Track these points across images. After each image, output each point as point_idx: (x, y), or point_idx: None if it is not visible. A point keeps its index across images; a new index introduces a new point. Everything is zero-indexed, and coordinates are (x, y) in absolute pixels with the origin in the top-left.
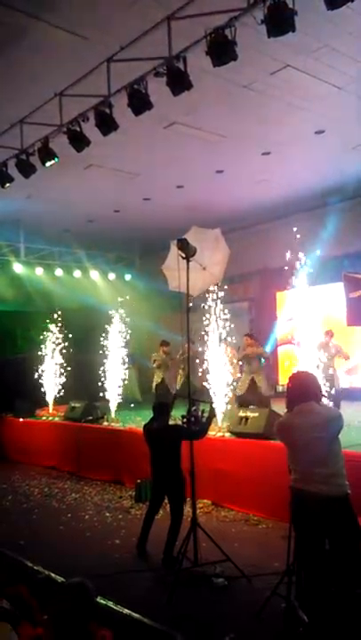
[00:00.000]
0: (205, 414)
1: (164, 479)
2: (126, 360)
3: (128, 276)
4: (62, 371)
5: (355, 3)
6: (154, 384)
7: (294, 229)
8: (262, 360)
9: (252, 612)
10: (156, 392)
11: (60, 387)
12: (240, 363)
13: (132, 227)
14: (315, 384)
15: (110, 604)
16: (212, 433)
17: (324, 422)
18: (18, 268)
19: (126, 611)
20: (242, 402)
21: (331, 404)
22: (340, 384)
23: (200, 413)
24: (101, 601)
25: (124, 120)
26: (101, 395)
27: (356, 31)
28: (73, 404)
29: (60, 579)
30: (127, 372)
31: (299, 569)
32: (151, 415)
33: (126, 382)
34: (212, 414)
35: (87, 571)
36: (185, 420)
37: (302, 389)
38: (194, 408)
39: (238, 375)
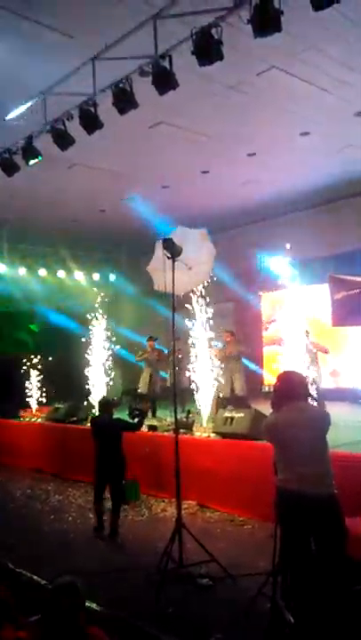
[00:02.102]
0: (191, 415)
1: (107, 466)
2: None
3: (113, 277)
4: (46, 372)
5: (341, 4)
6: (142, 382)
7: (280, 230)
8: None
9: (237, 612)
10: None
11: (43, 388)
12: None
13: (117, 226)
14: (302, 383)
15: (94, 605)
16: (197, 434)
17: (312, 421)
18: (0, 267)
19: (113, 611)
20: (220, 402)
21: (315, 403)
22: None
23: (187, 414)
24: (87, 603)
25: (110, 119)
26: (86, 396)
27: (342, 33)
28: (57, 405)
29: (42, 581)
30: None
31: (284, 569)
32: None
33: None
34: (145, 412)
35: (71, 572)
36: (132, 414)
37: (290, 389)
38: (137, 405)
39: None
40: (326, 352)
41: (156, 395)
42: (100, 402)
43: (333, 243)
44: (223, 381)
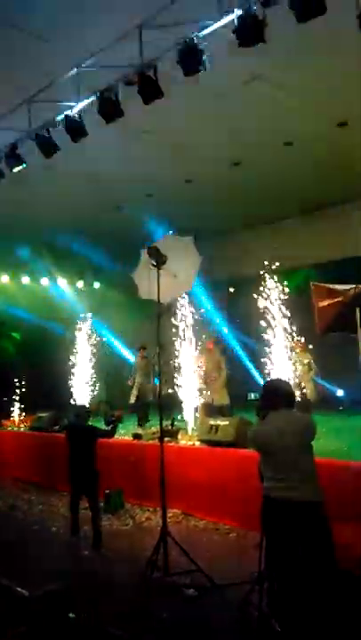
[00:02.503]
0: (176, 422)
1: (80, 472)
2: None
3: (97, 284)
4: (28, 380)
5: (325, 17)
6: (134, 391)
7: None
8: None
9: (223, 621)
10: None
11: (25, 396)
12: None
13: (101, 234)
14: (288, 392)
15: (80, 616)
16: (182, 442)
17: (299, 429)
18: None
19: (94, 623)
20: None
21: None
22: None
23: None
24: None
25: (95, 126)
26: (69, 404)
27: (327, 46)
28: (39, 414)
29: (25, 592)
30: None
31: (270, 577)
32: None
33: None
34: (119, 420)
35: (53, 583)
36: (108, 422)
37: (276, 397)
38: (112, 413)
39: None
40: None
41: (146, 403)
42: (74, 408)
43: (315, 252)
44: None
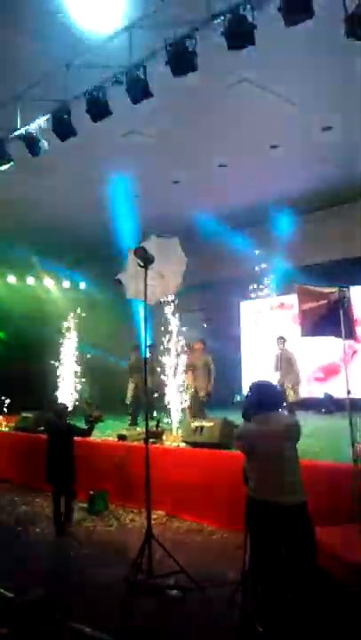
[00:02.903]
0: (161, 424)
1: (57, 467)
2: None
3: (83, 284)
4: (13, 380)
5: (313, 20)
6: (130, 392)
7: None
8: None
9: (207, 623)
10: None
11: (9, 396)
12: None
13: (88, 234)
14: (275, 393)
15: (64, 618)
16: (167, 443)
17: (283, 431)
18: None
19: (80, 626)
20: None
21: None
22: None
23: (157, 423)
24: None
25: (82, 127)
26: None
27: (315, 48)
28: (24, 415)
29: (8, 594)
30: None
31: (254, 578)
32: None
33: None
34: (97, 420)
35: (38, 585)
36: (87, 421)
37: (262, 398)
38: (91, 412)
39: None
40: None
41: (141, 403)
42: (54, 407)
43: (302, 254)
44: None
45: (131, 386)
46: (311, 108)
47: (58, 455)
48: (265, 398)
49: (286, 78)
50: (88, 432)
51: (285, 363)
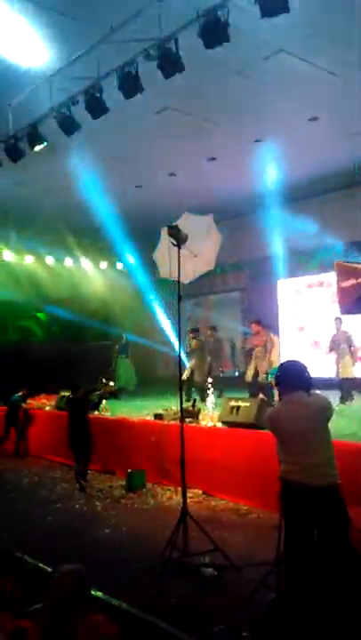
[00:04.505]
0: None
1: (75, 432)
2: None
3: (120, 265)
4: (53, 359)
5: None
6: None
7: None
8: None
9: (240, 602)
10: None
11: (51, 375)
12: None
13: (123, 214)
14: (302, 373)
15: (99, 594)
16: (203, 422)
17: (313, 412)
18: (8, 255)
19: (115, 601)
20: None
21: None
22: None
23: (193, 403)
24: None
25: (116, 105)
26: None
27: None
28: (63, 394)
29: (48, 569)
30: (119, 362)
31: (288, 559)
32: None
33: (120, 372)
34: (103, 397)
35: (75, 560)
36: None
37: (289, 379)
38: (99, 392)
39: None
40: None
41: (195, 384)
42: (73, 385)
43: (344, 230)
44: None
45: (189, 366)
46: (352, 77)
47: (75, 426)
48: (291, 378)
49: (323, 48)
50: (94, 406)
51: (344, 343)
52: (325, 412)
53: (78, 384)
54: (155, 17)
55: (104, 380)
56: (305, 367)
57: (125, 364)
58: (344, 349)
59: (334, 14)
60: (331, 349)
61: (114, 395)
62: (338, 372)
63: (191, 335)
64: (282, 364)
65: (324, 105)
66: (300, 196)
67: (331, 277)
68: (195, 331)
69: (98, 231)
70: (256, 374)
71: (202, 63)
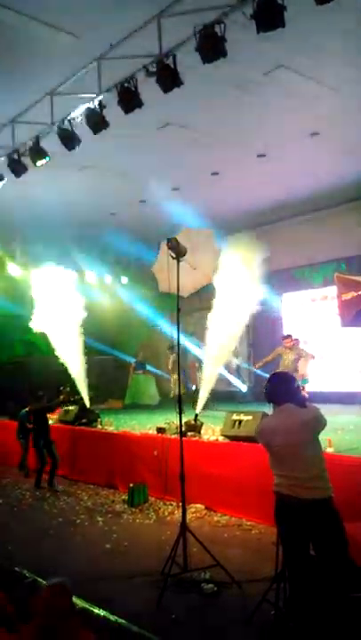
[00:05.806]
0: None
1: (41, 437)
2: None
3: (125, 279)
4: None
5: (346, 0)
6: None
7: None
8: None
9: (241, 618)
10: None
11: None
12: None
13: (127, 229)
14: (287, 385)
15: (97, 609)
16: (205, 436)
17: (301, 424)
18: (13, 269)
19: (113, 617)
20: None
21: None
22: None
23: (195, 417)
24: (88, 606)
25: (120, 121)
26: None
27: (349, 30)
28: (66, 408)
29: (43, 582)
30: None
31: (288, 575)
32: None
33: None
34: (61, 401)
35: (75, 575)
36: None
37: (276, 391)
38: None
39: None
40: (313, 358)
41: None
42: (35, 395)
43: (347, 244)
44: None
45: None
46: (352, 92)
47: (39, 429)
48: (277, 390)
49: (324, 63)
50: (50, 407)
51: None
52: (315, 423)
53: (41, 394)
54: (154, 33)
55: (67, 389)
56: (292, 379)
57: (141, 380)
58: None
59: (335, 30)
60: None
61: (71, 402)
62: None
63: (169, 352)
64: (269, 377)
65: (325, 120)
66: (302, 211)
67: (334, 291)
68: (172, 348)
69: (103, 245)
70: None
71: (202, 78)
